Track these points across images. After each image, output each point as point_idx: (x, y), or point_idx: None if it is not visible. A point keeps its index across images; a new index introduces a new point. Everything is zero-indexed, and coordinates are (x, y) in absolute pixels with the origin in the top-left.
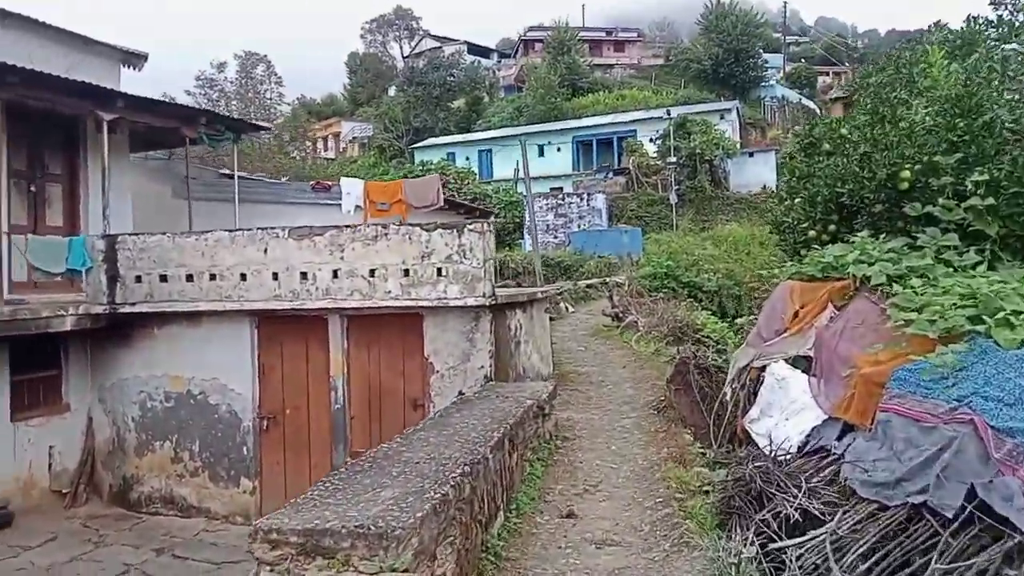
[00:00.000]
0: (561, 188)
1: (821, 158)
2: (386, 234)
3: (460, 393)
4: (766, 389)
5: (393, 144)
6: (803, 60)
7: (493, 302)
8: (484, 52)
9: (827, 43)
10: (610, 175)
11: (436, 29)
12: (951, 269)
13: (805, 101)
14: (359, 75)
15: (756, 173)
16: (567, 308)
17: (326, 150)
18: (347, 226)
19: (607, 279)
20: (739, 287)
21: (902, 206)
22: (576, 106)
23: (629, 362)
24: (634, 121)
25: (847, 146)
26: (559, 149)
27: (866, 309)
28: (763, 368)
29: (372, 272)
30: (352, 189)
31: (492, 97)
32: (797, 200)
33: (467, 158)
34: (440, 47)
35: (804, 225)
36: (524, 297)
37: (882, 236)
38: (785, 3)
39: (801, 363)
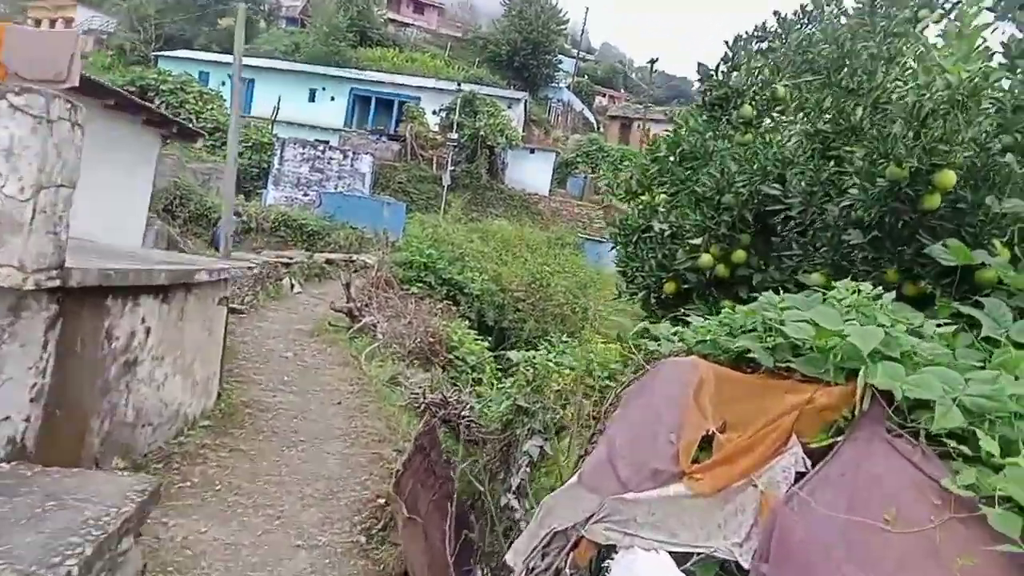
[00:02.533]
0: (327, 142)
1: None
2: None
3: None
4: None
5: (138, 47)
6: (586, 76)
7: (59, 283)
8: None
9: (609, 67)
10: (384, 139)
11: None
12: None
13: (587, 113)
14: None
15: (534, 172)
16: (293, 286)
17: None
18: None
19: (354, 257)
20: (504, 294)
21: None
22: (361, 57)
23: (351, 392)
24: (421, 88)
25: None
26: (333, 99)
27: (892, 471)
28: (610, 548)
29: None
30: None
31: (270, 25)
32: (679, 194)
33: (223, 83)
34: None
35: (691, 237)
36: (165, 278)
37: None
38: (586, 14)
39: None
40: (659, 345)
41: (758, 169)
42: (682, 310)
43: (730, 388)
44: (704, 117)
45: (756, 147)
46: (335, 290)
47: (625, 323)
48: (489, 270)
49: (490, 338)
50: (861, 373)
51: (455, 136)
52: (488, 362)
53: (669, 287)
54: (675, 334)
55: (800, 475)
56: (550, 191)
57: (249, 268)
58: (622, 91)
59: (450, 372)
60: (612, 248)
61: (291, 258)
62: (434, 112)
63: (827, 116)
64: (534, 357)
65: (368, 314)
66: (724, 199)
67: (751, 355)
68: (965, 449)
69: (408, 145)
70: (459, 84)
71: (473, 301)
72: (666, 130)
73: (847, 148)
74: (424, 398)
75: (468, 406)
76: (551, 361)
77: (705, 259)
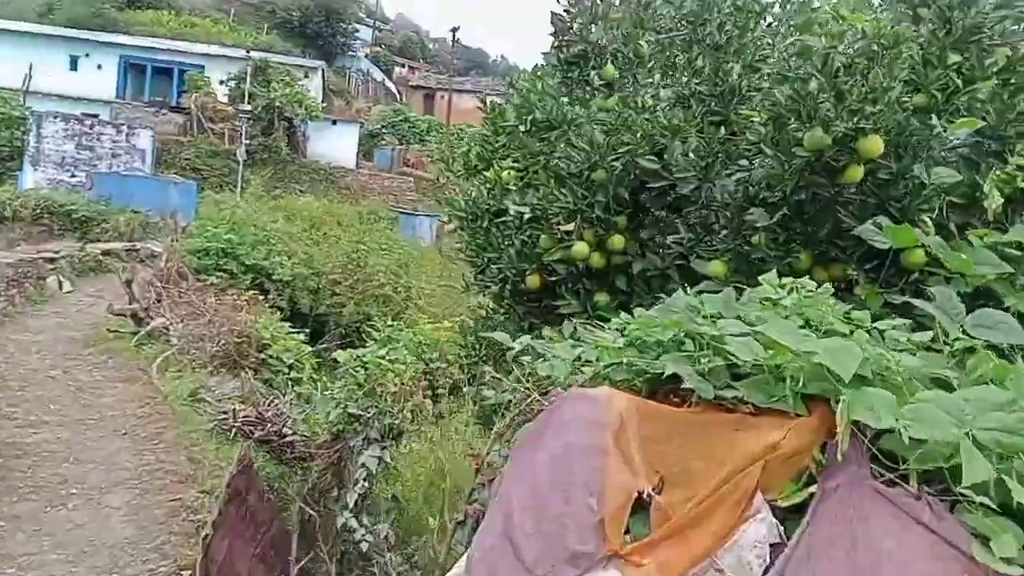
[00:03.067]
0: (97, 116)
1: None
2: None
3: None
4: None
5: None
6: (383, 46)
7: None
8: None
9: (406, 36)
10: (164, 112)
11: None
12: None
13: (388, 83)
14: None
15: (338, 145)
16: (61, 285)
17: None
18: None
19: (138, 246)
20: (318, 277)
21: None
22: (130, 21)
23: (141, 418)
24: (205, 55)
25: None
26: (100, 67)
27: (897, 536)
28: None
29: None
30: None
31: None
32: (532, 170)
33: None
34: None
35: (558, 221)
36: None
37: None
38: None
39: None
40: (553, 369)
41: (642, 138)
42: (545, 304)
43: (661, 428)
44: (557, 79)
45: (628, 113)
46: (117, 286)
47: (502, 337)
48: (299, 252)
49: (306, 329)
50: (841, 407)
51: (248, 107)
52: (307, 358)
53: (532, 281)
54: (577, 359)
55: (774, 546)
56: (357, 164)
57: None
58: (420, 61)
59: (263, 375)
60: (454, 230)
61: (57, 251)
62: (221, 82)
63: (700, 76)
64: (364, 356)
65: (158, 315)
66: (596, 175)
67: (680, 384)
68: (987, 501)
69: (194, 117)
70: (248, 51)
71: (283, 288)
72: (507, 97)
73: (740, 112)
74: (235, 418)
75: (289, 419)
76: (383, 359)
77: (579, 248)
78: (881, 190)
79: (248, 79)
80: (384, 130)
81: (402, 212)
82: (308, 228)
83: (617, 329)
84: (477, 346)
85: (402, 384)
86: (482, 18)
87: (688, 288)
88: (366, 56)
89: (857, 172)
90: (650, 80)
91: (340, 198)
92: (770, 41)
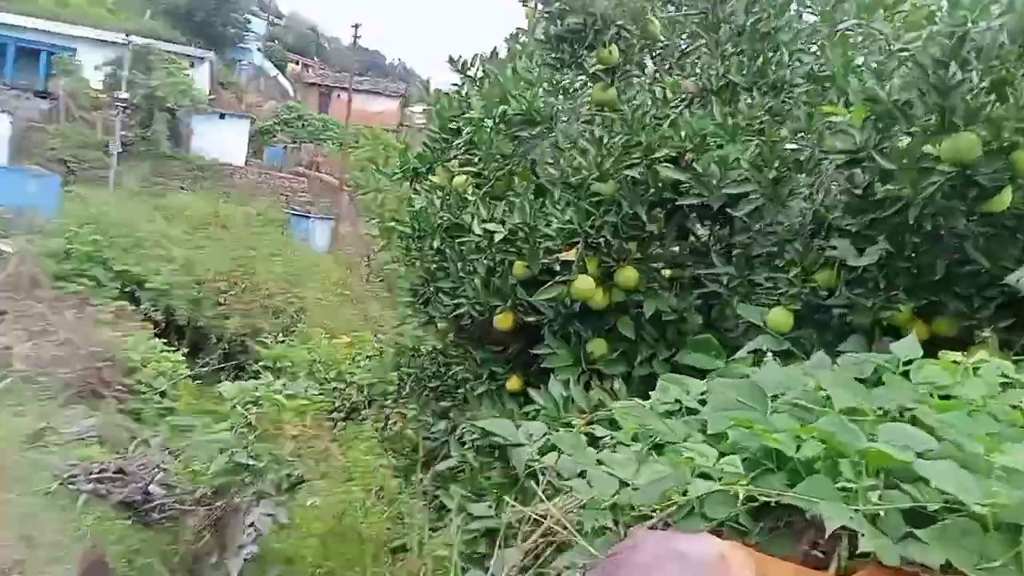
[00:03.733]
0: None
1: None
2: None
3: None
4: None
5: None
6: (276, 41)
7: None
8: None
9: (301, 34)
10: (28, 96)
11: None
12: None
13: (282, 79)
14: None
15: (226, 140)
16: None
17: None
18: None
19: None
20: (200, 286)
21: None
22: None
23: None
24: (78, 38)
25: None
26: None
27: None
28: None
29: None
30: None
31: None
32: (497, 176)
33: None
34: None
35: (551, 248)
36: None
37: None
38: None
39: None
40: (598, 489)
41: (664, 140)
42: (516, 350)
43: None
44: (539, 62)
45: (644, 106)
46: None
47: (502, 429)
48: (179, 258)
49: (183, 347)
50: None
51: (125, 95)
52: (184, 385)
53: (503, 321)
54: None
55: None
56: (246, 161)
57: None
58: (315, 59)
59: (130, 404)
60: (385, 248)
61: None
62: (96, 67)
63: (730, 63)
64: (254, 389)
65: None
66: (603, 187)
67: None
68: None
69: (62, 104)
70: (128, 35)
71: (158, 298)
72: (449, 90)
73: (821, 108)
74: (88, 476)
75: (159, 470)
76: (279, 394)
77: (583, 284)
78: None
79: (127, 66)
80: (277, 127)
81: (295, 214)
82: (191, 230)
83: (667, 411)
84: (402, 382)
85: (304, 426)
86: (378, 20)
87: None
88: (259, 50)
89: (1007, 197)
90: (666, 67)
91: (227, 198)
92: (806, 26)
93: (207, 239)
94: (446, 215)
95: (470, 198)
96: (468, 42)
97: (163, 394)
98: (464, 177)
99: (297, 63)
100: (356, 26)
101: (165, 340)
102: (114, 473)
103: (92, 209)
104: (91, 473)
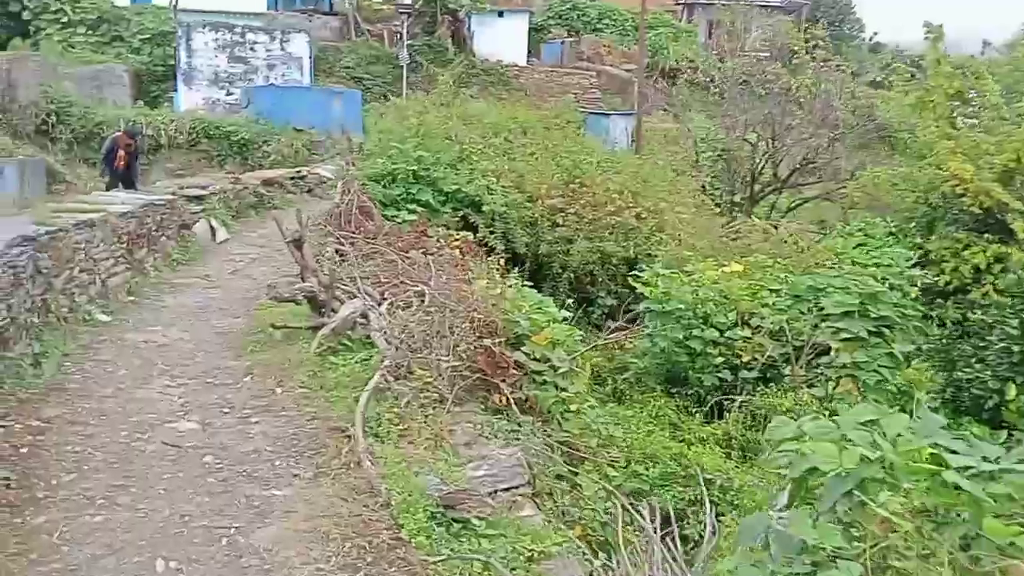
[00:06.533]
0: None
1: None
2: None
3: None
4: None
5: None
6: None
7: None
8: None
9: None
10: (318, 17)
11: None
12: None
13: None
14: None
15: (506, 40)
16: (214, 233)
17: None
18: None
19: (303, 171)
20: (532, 205)
21: None
22: None
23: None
24: None
25: None
26: None
27: None
28: None
29: None
30: None
31: None
32: None
33: None
34: None
35: None
36: None
37: None
38: None
39: None
40: None
41: None
42: None
43: None
44: None
45: None
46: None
47: None
48: (509, 175)
49: (569, 299)
50: None
51: (408, 1)
52: (585, 356)
53: None
54: None
55: None
56: (528, 61)
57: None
58: None
59: (520, 393)
60: None
61: (204, 187)
62: None
63: None
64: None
65: (346, 293)
66: None
67: None
68: None
69: (350, 20)
70: None
71: (494, 222)
72: None
73: None
74: None
75: None
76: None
77: None
78: None
79: None
80: (550, 22)
81: (592, 113)
82: (493, 140)
83: None
84: None
85: None
86: None
87: None
88: None
89: None
90: None
91: (517, 99)
92: None
93: (517, 149)
94: None
95: None
96: None
97: (557, 381)
98: None
99: None
100: None
101: (531, 283)
102: None
103: (398, 124)
104: None
